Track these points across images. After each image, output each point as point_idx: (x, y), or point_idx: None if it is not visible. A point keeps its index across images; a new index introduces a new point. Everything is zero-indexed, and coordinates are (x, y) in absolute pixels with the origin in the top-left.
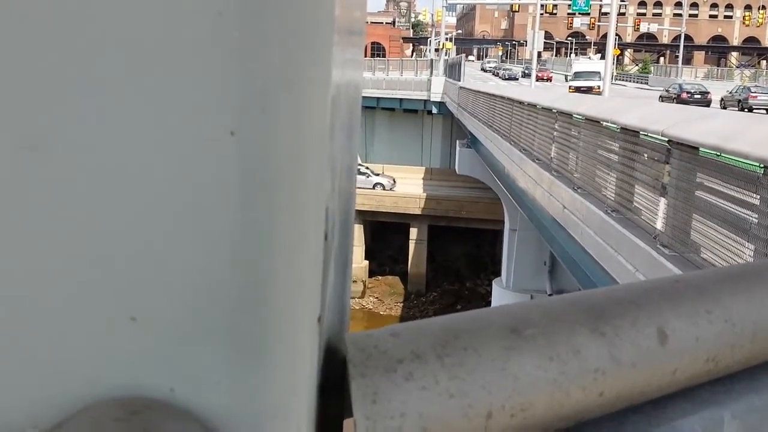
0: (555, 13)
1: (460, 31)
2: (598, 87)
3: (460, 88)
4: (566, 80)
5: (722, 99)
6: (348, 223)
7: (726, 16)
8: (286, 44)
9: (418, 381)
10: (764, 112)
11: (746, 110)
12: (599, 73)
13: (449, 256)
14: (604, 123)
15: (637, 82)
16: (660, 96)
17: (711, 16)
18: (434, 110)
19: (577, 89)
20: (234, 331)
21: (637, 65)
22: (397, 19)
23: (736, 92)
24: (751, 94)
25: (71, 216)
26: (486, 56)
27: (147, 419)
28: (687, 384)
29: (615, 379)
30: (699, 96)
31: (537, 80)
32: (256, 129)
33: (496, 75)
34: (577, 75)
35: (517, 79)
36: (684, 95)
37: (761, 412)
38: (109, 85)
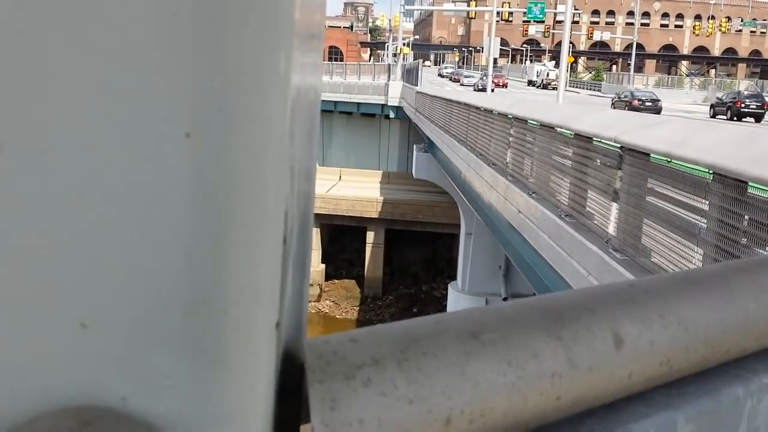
0: (511, 21)
1: (417, 37)
2: None
3: (418, 92)
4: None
5: (712, 106)
6: (306, 227)
7: (677, 26)
8: (244, 46)
9: (377, 386)
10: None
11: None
12: None
13: (406, 260)
14: (559, 129)
15: (590, 89)
16: (612, 102)
17: (662, 26)
18: (391, 114)
19: None
20: (188, 338)
21: (590, 73)
22: (354, 24)
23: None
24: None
25: (19, 220)
26: (443, 62)
27: (98, 429)
28: (642, 387)
29: (571, 383)
30: (650, 103)
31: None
32: (212, 130)
33: (456, 81)
34: None
35: (493, 90)
36: (635, 102)
37: (713, 415)
38: (61, 85)
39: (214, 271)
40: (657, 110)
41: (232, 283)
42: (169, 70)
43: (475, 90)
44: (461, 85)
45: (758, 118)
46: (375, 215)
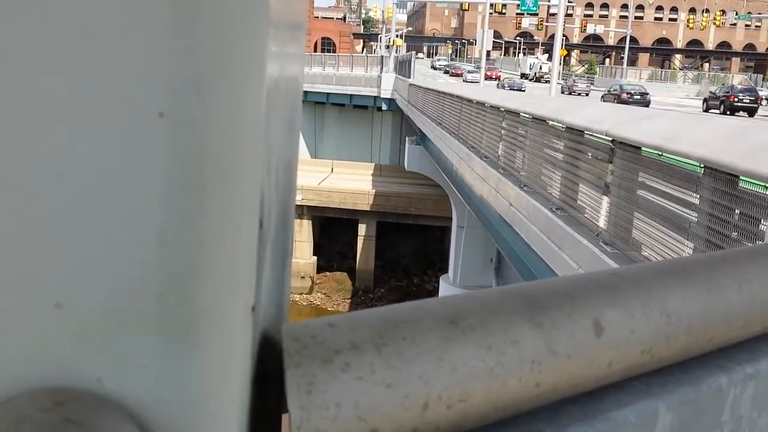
0: (504, 13)
1: (410, 29)
2: None
3: (410, 85)
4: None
5: (705, 100)
6: (287, 216)
7: (671, 19)
8: (219, 29)
9: (355, 371)
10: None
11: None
12: None
13: (397, 253)
14: (550, 122)
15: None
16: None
17: (656, 19)
18: (384, 107)
19: None
20: (162, 318)
21: (583, 66)
22: (347, 15)
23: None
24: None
25: None
26: (436, 54)
27: (71, 410)
28: (622, 376)
29: (551, 370)
30: (638, 97)
31: (486, 79)
32: (185, 111)
33: (457, 75)
34: None
35: (523, 90)
36: (624, 95)
37: (695, 404)
38: (32, 63)
39: (188, 252)
40: (645, 103)
41: (205, 264)
42: (143, 50)
43: (510, 89)
44: (464, 81)
45: (751, 112)
46: (367, 208)
